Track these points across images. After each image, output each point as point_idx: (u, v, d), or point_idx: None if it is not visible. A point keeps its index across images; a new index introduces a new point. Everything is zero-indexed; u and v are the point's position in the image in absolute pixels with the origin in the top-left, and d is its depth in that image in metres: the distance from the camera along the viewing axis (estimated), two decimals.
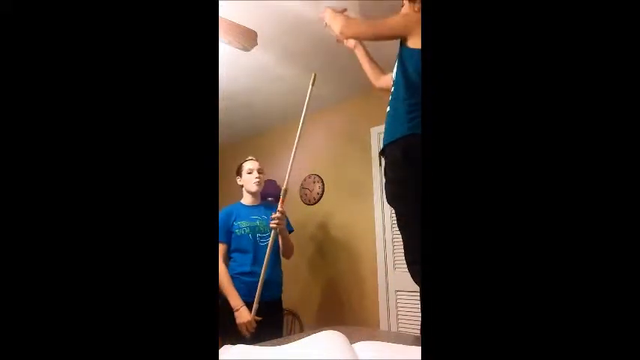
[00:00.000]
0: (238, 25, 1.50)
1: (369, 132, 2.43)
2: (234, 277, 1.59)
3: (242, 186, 1.81)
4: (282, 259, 1.78)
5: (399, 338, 0.61)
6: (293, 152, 1.59)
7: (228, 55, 1.97)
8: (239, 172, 1.83)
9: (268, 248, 1.54)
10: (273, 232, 1.57)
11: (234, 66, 2.15)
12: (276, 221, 1.57)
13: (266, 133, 3.20)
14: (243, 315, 1.48)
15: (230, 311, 1.50)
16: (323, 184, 2.56)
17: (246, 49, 1.62)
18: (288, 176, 1.60)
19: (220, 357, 0.51)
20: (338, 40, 1.47)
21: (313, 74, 1.62)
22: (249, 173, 1.78)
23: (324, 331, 0.58)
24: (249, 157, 1.86)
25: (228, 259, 1.67)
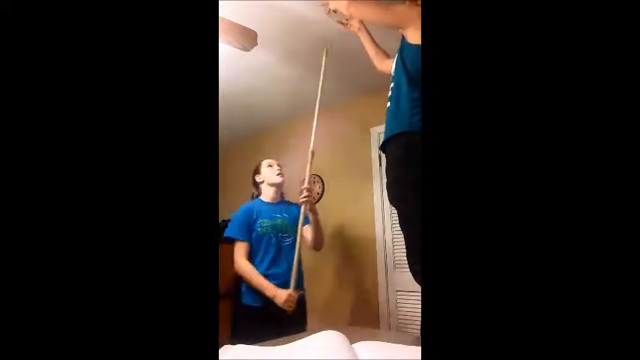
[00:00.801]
0: (238, 25, 1.51)
1: (369, 132, 2.43)
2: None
3: (262, 182, 1.76)
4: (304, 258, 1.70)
5: (399, 338, 0.61)
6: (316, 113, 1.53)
7: (228, 55, 1.97)
8: (257, 170, 1.79)
9: (298, 235, 1.47)
10: (300, 220, 1.49)
11: (234, 66, 2.15)
12: (306, 194, 1.49)
13: (266, 134, 3.20)
14: (282, 295, 1.44)
15: (237, 312, 1.49)
16: (323, 184, 2.56)
17: (246, 49, 1.62)
18: (313, 138, 1.52)
19: (220, 357, 0.51)
20: (343, 24, 1.47)
21: (325, 49, 1.57)
22: (269, 166, 1.75)
23: (323, 331, 0.58)
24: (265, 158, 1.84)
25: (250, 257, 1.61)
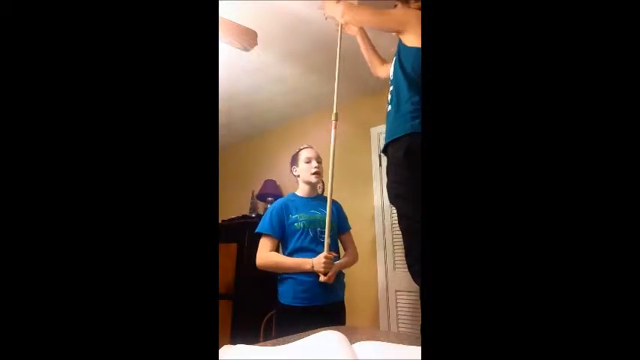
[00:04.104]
0: (238, 25, 1.51)
1: (369, 132, 2.43)
2: (290, 278, 1.44)
3: (298, 176, 1.65)
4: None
5: (399, 338, 0.61)
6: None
7: (228, 55, 1.98)
8: (295, 161, 1.67)
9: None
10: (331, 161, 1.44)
11: (234, 66, 2.15)
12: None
13: (266, 134, 3.20)
14: (318, 262, 1.37)
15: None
16: (323, 184, 2.56)
17: (246, 49, 1.62)
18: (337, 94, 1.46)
19: (220, 357, 0.51)
20: (342, 27, 1.45)
21: (339, 24, 1.52)
22: (307, 162, 1.62)
23: (324, 331, 0.58)
24: (306, 145, 1.70)
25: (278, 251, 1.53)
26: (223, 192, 3.24)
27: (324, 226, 1.47)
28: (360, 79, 2.25)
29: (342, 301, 1.53)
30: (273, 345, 0.59)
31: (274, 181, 2.81)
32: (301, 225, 1.51)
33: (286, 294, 1.44)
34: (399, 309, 2.07)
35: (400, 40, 1.13)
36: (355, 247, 1.64)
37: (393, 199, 1.04)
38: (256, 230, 1.55)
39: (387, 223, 2.22)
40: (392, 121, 1.09)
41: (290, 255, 1.48)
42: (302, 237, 1.49)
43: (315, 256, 1.43)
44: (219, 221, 2.81)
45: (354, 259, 1.61)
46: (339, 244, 1.63)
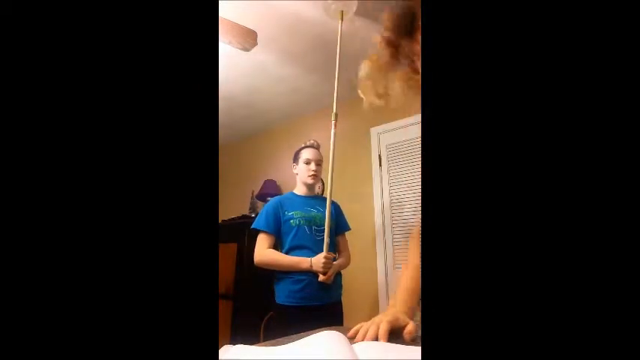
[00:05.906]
0: (238, 25, 1.51)
1: (369, 132, 2.43)
2: (287, 278, 1.44)
3: (296, 174, 1.66)
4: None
5: (399, 338, 0.61)
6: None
7: (228, 55, 1.98)
8: (296, 159, 1.67)
9: (328, 199, 1.42)
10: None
11: (234, 66, 2.15)
12: None
13: (266, 134, 3.20)
14: (317, 262, 1.38)
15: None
16: (323, 184, 2.56)
17: (246, 49, 1.62)
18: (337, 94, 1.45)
19: (220, 357, 0.51)
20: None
21: (340, 12, 1.50)
22: (306, 163, 1.62)
23: (324, 331, 0.58)
24: (309, 143, 1.68)
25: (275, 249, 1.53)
26: (223, 192, 3.24)
27: (320, 224, 1.49)
28: None
29: (340, 302, 1.54)
30: (273, 345, 0.59)
31: (274, 181, 2.81)
32: (297, 222, 1.51)
33: (281, 293, 1.45)
34: None
35: None
36: (349, 250, 1.65)
37: None
38: (252, 226, 1.55)
39: (387, 224, 2.22)
40: None
41: (287, 253, 1.48)
42: (298, 234, 1.50)
43: (311, 254, 1.43)
44: (219, 221, 2.81)
45: (347, 262, 1.61)
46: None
